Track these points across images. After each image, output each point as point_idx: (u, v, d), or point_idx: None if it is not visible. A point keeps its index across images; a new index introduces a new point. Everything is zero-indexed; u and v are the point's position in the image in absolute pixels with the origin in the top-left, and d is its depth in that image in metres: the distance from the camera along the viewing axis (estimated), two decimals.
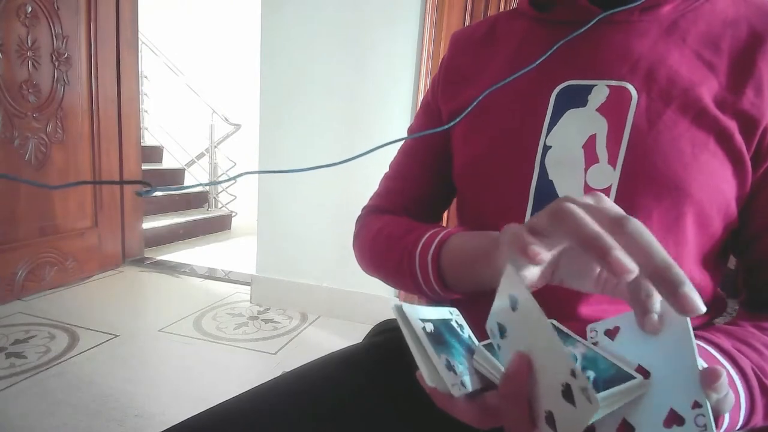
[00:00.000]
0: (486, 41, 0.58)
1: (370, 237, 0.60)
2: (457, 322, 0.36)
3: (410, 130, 0.67)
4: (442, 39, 1.81)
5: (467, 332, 0.36)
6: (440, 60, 0.66)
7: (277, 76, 2.02)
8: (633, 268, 0.24)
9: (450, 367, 0.31)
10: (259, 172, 0.35)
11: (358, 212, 0.68)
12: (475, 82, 0.55)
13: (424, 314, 0.33)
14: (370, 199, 0.68)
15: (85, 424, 1.25)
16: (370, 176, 1.92)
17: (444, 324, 0.34)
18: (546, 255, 0.28)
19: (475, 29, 0.61)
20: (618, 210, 0.28)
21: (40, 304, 2.04)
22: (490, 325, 0.31)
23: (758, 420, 0.38)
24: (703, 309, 0.24)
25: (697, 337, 0.39)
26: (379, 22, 1.85)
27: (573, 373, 0.24)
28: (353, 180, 1.97)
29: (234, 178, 0.36)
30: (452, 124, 0.46)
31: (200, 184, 0.29)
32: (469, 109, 0.46)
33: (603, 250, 0.25)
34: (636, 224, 0.27)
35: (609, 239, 0.25)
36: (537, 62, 0.45)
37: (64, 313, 1.95)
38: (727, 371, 0.36)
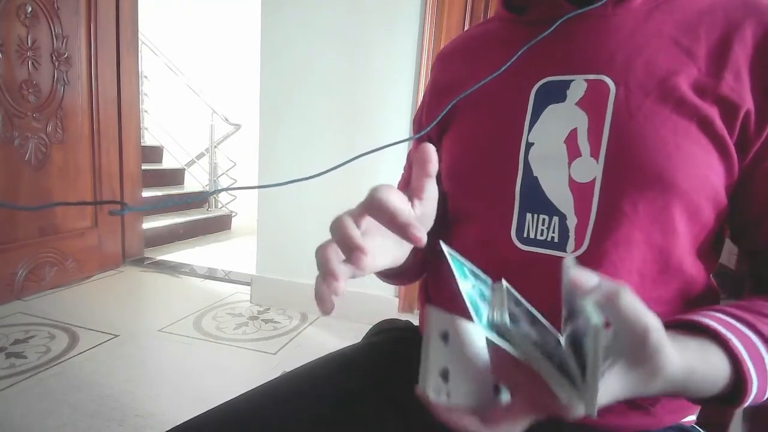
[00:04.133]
0: (464, 53, 0.59)
1: None
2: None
3: (408, 156, 0.69)
4: (442, 39, 1.82)
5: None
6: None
7: (277, 76, 2.02)
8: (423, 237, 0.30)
9: (445, 376, 0.32)
10: (241, 188, 0.35)
11: None
12: (457, 91, 0.55)
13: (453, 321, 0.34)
14: None
15: (85, 424, 1.25)
16: (369, 176, 1.93)
17: (470, 340, 0.35)
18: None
19: (454, 45, 0.62)
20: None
21: (40, 304, 2.04)
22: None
23: None
24: (424, 240, 0.30)
25: (711, 310, 0.39)
26: (379, 21, 1.85)
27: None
28: (353, 180, 1.97)
29: (219, 191, 0.36)
30: (430, 127, 0.46)
31: (176, 202, 0.30)
32: (444, 111, 0.47)
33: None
34: (374, 195, 0.33)
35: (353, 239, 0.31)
36: (508, 63, 0.45)
37: (64, 313, 1.95)
38: (749, 338, 0.36)
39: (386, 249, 0.37)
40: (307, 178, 0.38)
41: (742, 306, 0.40)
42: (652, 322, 0.28)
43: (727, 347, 0.34)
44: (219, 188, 0.36)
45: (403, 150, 1.91)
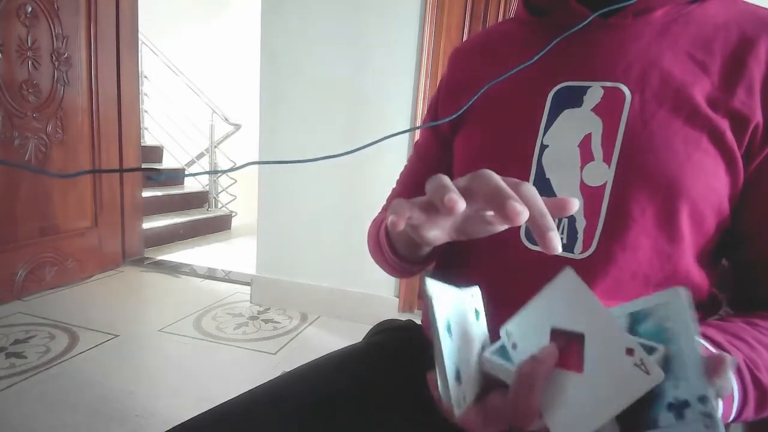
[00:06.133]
0: (484, 51, 0.59)
1: (370, 231, 0.64)
2: (476, 309, 0.36)
3: (416, 146, 0.69)
4: (442, 39, 1.82)
5: (482, 320, 0.36)
6: (439, 78, 0.68)
7: (277, 75, 2.02)
8: (522, 210, 0.29)
9: (458, 378, 0.31)
10: (266, 162, 0.35)
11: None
12: (475, 88, 0.55)
13: (447, 301, 0.34)
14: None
15: (85, 424, 1.25)
16: (370, 176, 1.93)
17: (462, 315, 0.34)
18: (461, 203, 0.31)
19: (473, 42, 0.62)
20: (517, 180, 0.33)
21: (40, 304, 2.04)
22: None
23: (749, 413, 0.38)
24: (559, 249, 0.30)
25: None
26: (379, 21, 1.85)
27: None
28: (353, 180, 1.98)
29: (241, 167, 0.37)
30: (450, 118, 0.46)
31: (206, 173, 0.30)
32: (468, 104, 0.47)
33: (504, 198, 0.30)
34: (528, 186, 0.32)
35: (510, 191, 0.31)
36: (533, 59, 0.46)
37: (64, 313, 1.95)
38: None
39: (443, 227, 0.39)
40: (337, 155, 0.39)
41: (721, 327, 0.41)
42: None
43: None
44: (249, 162, 0.37)
45: (403, 152, 1.91)
